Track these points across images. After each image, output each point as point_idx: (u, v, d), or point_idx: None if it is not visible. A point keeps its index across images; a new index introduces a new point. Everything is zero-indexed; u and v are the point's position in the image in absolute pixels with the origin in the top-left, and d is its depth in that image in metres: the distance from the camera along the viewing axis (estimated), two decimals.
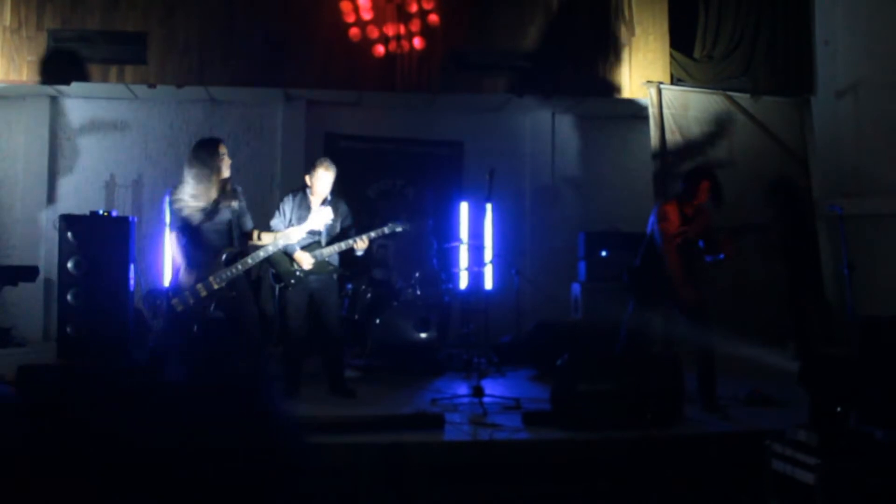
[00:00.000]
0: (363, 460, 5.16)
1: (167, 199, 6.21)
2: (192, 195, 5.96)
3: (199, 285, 5.92)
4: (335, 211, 6.77)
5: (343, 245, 6.64)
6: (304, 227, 6.48)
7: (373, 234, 6.70)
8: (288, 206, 6.80)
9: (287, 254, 6.61)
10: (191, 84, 9.00)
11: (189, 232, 6.03)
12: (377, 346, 8.16)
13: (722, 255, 6.84)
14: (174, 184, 6.18)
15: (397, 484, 5.12)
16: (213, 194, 5.99)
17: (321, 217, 6.54)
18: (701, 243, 6.89)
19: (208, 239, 6.04)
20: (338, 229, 6.79)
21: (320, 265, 6.65)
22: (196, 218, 5.98)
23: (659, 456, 5.46)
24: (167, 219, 6.16)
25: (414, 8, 8.97)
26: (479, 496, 5.23)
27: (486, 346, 8.37)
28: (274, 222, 6.80)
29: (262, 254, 6.22)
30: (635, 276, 7.03)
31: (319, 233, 6.69)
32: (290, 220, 6.72)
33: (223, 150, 6.11)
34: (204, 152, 6.05)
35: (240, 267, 6.02)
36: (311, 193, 6.77)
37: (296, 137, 10.23)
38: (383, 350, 8.17)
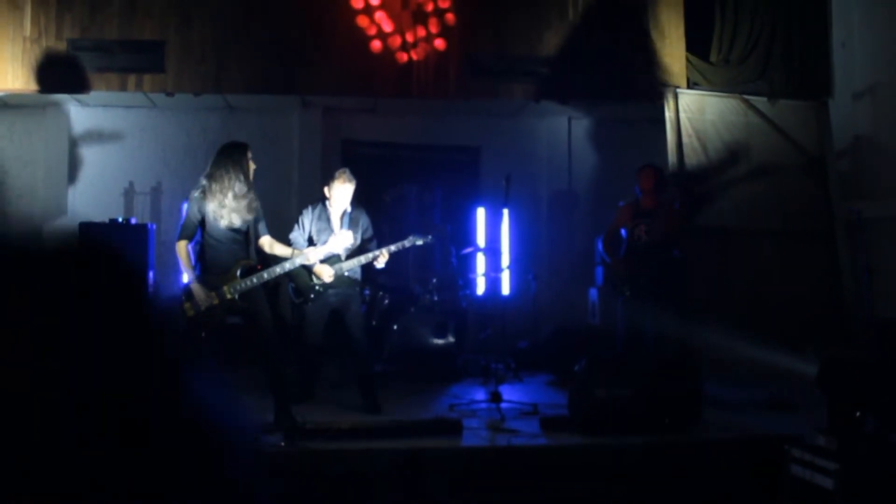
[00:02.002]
0: (381, 466, 5.17)
1: (186, 204, 6.07)
2: (219, 203, 5.78)
3: (213, 293, 5.79)
4: (356, 223, 6.72)
5: (363, 259, 6.55)
6: (323, 250, 6.36)
7: (393, 248, 6.61)
8: (307, 218, 6.74)
9: (306, 267, 6.58)
10: (208, 92, 9.05)
11: (207, 237, 5.93)
12: (395, 352, 8.17)
13: (675, 252, 7.64)
14: (194, 187, 5.99)
15: (415, 490, 5.12)
16: (243, 204, 5.87)
17: (342, 241, 6.44)
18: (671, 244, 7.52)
19: (226, 246, 5.91)
20: (358, 242, 6.73)
21: (339, 279, 6.60)
22: (222, 226, 5.87)
23: (677, 461, 5.45)
24: (190, 217, 5.93)
25: (430, 14, 8.99)
26: (497, 502, 5.23)
27: (504, 352, 8.37)
28: (293, 235, 6.76)
29: (278, 269, 6.07)
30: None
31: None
32: (310, 233, 6.68)
33: (250, 154, 6.05)
34: (236, 154, 5.90)
35: (255, 280, 5.86)
36: (330, 205, 6.72)
37: (312, 144, 10.27)
38: (401, 356, 8.19)
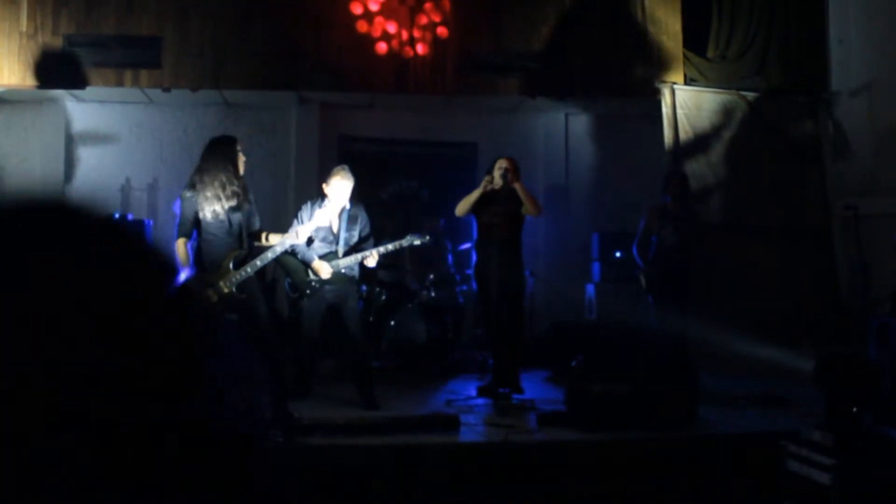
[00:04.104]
0: (378, 462, 5.17)
1: (179, 200, 6.05)
2: (209, 194, 5.79)
3: (210, 291, 5.77)
4: (354, 220, 6.71)
5: (360, 256, 6.57)
6: (311, 225, 6.30)
7: (390, 247, 6.60)
8: (306, 214, 6.72)
9: (304, 263, 6.59)
10: (205, 87, 9.04)
11: (203, 233, 5.92)
12: (391, 348, 8.18)
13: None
14: (186, 184, 5.99)
15: (412, 486, 5.13)
16: (230, 193, 5.88)
17: (327, 214, 6.45)
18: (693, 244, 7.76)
19: (221, 241, 5.90)
20: (356, 239, 6.72)
21: (336, 276, 6.57)
22: (211, 218, 5.86)
23: (673, 457, 5.46)
24: (185, 215, 5.94)
25: (427, 10, 8.99)
26: (494, 497, 5.24)
27: None
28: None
29: (269, 255, 6.03)
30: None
31: (334, 240, 6.63)
32: None
33: (240, 147, 6.03)
34: (224, 147, 5.90)
35: (249, 270, 5.85)
36: (329, 202, 6.69)
37: (310, 140, 10.26)
38: (398, 351, 8.20)
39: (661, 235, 7.68)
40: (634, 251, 7.84)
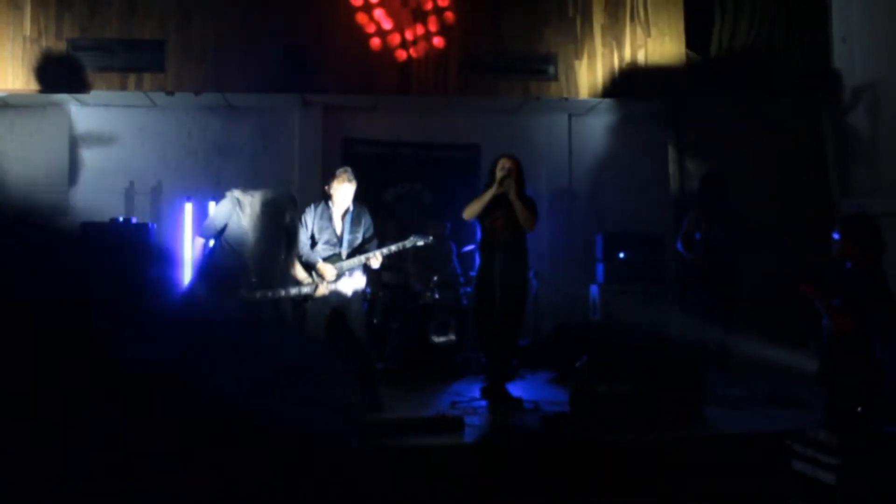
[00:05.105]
0: (383, 464, 5.17)
1: (230, 199, 5.94)
2: (254, 223, 5.79)
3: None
4: (357, 222, 6.72)
5: (363, 258, 6.58)
6: (331, 287, 6.37)
7: (394, 248, 6.60)
8: (309, 217, 6.74)
9: (308, 265, 6.57)
10: (208, 91, 9.06)
11: (223, 240, 5.86)
12: (395, 350, 8.18)
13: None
14: (243, 190, 5.93)
15: (417, 487, 5.13)
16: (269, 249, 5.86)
17: (352, 283, 6.42)
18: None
19: (237, 257, 5.88)
20: (359, 240, 6.72)
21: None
22: (238, 236, 5.82)
23: (678, 457, 5.46)
24: (216, 217, 5.89)
25: (429, 11, 8.99)
26: (498, 498, 5.24)
27: None
28: None
29: (282, 293, 6.07)
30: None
31: (338, 242, 6.63)
32: (312, 232, 6.69)
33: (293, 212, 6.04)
34: (282, 203, 5.93)
35: (258, 297, 5.86)
36: (332, 204, 6.72)
37: (313, 142, 10.27)
38: (402, 354, 8.20)
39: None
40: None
